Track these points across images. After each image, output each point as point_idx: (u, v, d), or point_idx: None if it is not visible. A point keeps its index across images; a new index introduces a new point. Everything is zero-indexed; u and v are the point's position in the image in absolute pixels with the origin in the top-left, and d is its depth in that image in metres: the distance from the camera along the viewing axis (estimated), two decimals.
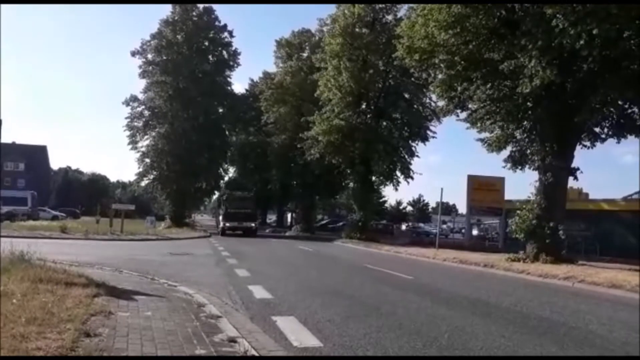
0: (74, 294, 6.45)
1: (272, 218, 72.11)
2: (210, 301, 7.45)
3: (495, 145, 20.03)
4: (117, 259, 13.85)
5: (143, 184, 47.73)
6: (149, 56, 44.59)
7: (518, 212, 18.15)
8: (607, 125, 18.83)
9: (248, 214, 36.33)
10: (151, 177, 45.72)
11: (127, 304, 6.43)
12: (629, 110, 18.38)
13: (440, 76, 19.14)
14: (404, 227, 59.33)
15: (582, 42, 13.94)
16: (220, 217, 38.62)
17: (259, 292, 8.77)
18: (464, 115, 20.49)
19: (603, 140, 18.97)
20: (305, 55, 49.92)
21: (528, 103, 17.30)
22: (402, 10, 31.64)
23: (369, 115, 35.88)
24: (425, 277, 13.12)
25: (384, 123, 36.59)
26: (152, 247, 20.88)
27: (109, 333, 4.85)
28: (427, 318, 7.07)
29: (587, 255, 20.53)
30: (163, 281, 9.41)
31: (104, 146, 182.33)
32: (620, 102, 18.17)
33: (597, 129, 18.84)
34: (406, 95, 36.43)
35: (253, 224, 36.66)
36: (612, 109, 18.42)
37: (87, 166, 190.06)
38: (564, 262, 15.70)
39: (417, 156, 36.65)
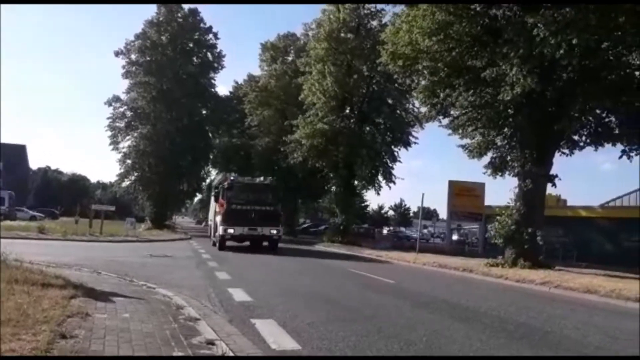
0: (50, 295, 6.35)
1: None
2: (189, 303, 7.40)
3: (476, 152, 20.27)
4: (96, 261, 13.66)
5: (124, 185, 47.18)
6: (133, 56, 44.26)
7: (497, 217, 18.38)
8: (586, 133, 19.18)
9: (267, 214, 21.95)
10: (132, 178, 45.33)
11: (104, 306, 6.36)
12: (607, 119, 18.76)
13: (423, 82, 19.35)
14: (385, 231, 59.58)
15: (562, 51, 14.22)
16: (218, 219, 22.82)
17: (239, 294, 8.73)
18: (446, 121, 20.75)
19: (581, 148, 19.32)
20: (290, 58, 49.97)
21: (509, 110, 17.55)
22: (387, 16, 31.88)
23: (352, 120, 36.01)
24: (405, 281, 13.23)
25: (368, 128, 36.75)
26: (132, 248, 20.64)
27: (85, 335, 4.79)
28: (407, 322, 7.11)
29: (565, 261, 20.87)
30: (142, 283, 9.32)
31: (84, 146, 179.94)
32: (598, 111, 18.58)
33: (575, 137, 19.16)
34: (389, 101, 36.68)
35: (275, 230, 21.98)
36: (590, 118, 18.79)
37: (68, 166, 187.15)
38: (541, 268, 15.93)
39: (400, 161, 36.92)
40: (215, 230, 23.44)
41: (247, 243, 22.99)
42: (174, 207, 52.72)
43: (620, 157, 18.26)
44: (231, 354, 4.76)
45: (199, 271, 13.08)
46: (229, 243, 21.98)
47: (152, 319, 5.95)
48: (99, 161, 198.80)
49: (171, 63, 43.30)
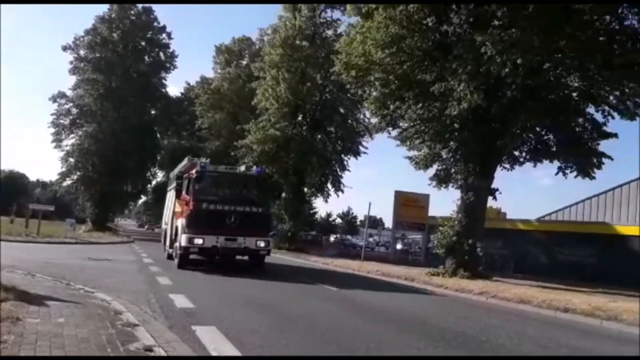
0: None
1: None
2: (128, 309, 7.18)
3: (422, 164, 20.80)
4: (31, 263, 13.04)
5: (65, 184, 45.36)
6: (82, 52, 42.99)
7: (440, 228, 18.93)
8: (526, 149, 20.04)
9: (253, 217, 15.20)
10: (74, 177, 43.74)
11: (38, 310, 6.09)
12: (546, 137, 19.71)
13: (374, 94, 19.70)
14: (332, 238, 60.04)
15: (507, 70, 14.85)
16: (179, 223, 15.68)
17: (181, 301, 8.56)
18: (395, 133, 21.16)
19: (521, 164, 20.16)
20: (244, 62, 49.75)
21: (455, 125, 18.11)
22: (343, 26, 32.39)
23: (304, 127, 36.19)
24: (348, 289, 13.33)
25: (319, 136, 37.04)
26: (71, 251, 19.86)
27: (14, 340, 4.58)
28: (349, 329, 7.20)
29: (502, 272, 21.71)
30: (80, 287, 8.98)
31: (23, 143, 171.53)
32: (538, 129, 19.52)
33: (516, 153, 19.99)
34: (342, 110, 37.15)
35: (263, 242, 15.30)
36: (530, 135, 19.70)
37: (4, 163, 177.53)
38: (480, 278, 16.46)
39: (349, 170, 37.39)
40: (174, 238, 16.35)
41: (225, 260, 16.02)
42: (117, 208, 51.15)
43: (557, 173, 19.28)
44: None
45: (140, 275, 12.73)
46: (194, 257, 15.41)
47: (89, 324, 5.75)
48: (39, 159, 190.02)
49: (121, 61, 42.28)
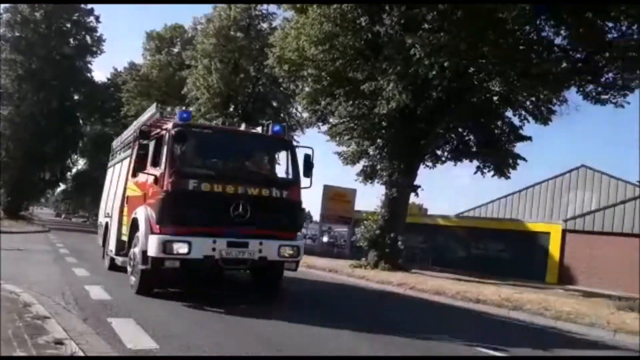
0: None
1: None
2: (39, 301, 6.86)
3: (350, 159, 21.33)
4: None
5: None
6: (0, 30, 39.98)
7: (364, 222, 19.53)
8: (448, 149, 21.04)
9: (269, 204, 8.59)
10: None
11: None
12: (467, 138, 20.81)
13: (307, 89, 19.88)
14: None
15: (434, 72, 15.45)
16: (141, 214, 8.52)
17: (97, 292, 8.28)
18: (325, 128, 21.52)
19: (443, 162, 21.10)
20: (175, 50, 48.35)
21: (383, 123, 18.65)
22: (278, 19, 32.21)
23: (235, 119, 35.76)
24: None
25: None
26: None
27: None
28: (271, 321, 7.24)
29: (422, 264, 22.63)
30: None
31: None
32: (460, 130, 20.54)
33: (439, 152, 20.93)
34: (274, 104, 37.07)
35: (290, 249, 8.71)
36: (453, 135, 20.70)
37: None
38: (400, 270, 17.19)
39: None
40: (126, 241, 9.70)
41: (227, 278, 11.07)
42: (33, 196, 48.23)
43: (475, 172, 20.43)
44: (81, 354, 4.54)
45: (55, 266, 12.15)
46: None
47: None
48: None
49: (44, 42, 39.89)
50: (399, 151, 18.73)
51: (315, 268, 17.85)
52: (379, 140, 19.71)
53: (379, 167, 20.35)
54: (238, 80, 34.08)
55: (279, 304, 9.24)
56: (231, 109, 36.25)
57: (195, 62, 34.55)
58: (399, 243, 18.24)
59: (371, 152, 20.78)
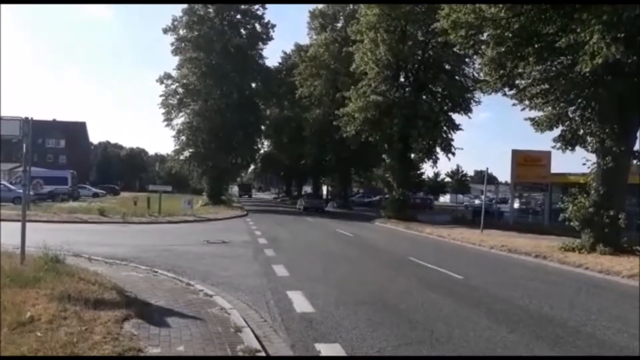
0: (102, 318, 6.01)
1: (307, 190, 71.70)
2: (247, 319, 6.93)
3: (545, 125, 18.56)
4: (153, 251, 13.65)
5: (180, 159, 47.71)
6: (181, 32, 44.19)
7: (572, 196, 16.91)
8: None
9: None
10: (187, 154, 45.91)
11: (158, 333, 5.92)
12: None
13: (489, 53, 17.65)
14: (442, 199, 57.92)
15: None
16: None
17: (299, 301, 8.20)
18: (511, 92, 19.10)
19: None
20: (339, 25, 48.61)
21: (587, 82, 15.84)
22: None
23: (407, 89, 34.55)
24: (475, 276, 11.86)
25: (424, 97, 35.05)
26: (189, 232, 20.73)
27: None
28: (483, 339, 6.29)
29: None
30: (199, 288, 8.89)
31: (142, 119, 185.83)
32: None
33: None
34: (447, 67, 34.82)
35: None
36: None
37: (126, 140, 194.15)
38: (623, 254, 14.54)
39: (461, 129, 35.13)
40: None
41: None
42: (228, 181, 53.20)
43: None
44: None
45: (255, 264, 12.64)
46: None
47: (208, 350, 5.48)
48: (156, 133, 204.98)
49: (219, 36, 42.84)
50: (610, 112, 15.75)
51: (517, 252, 16.11)
52: (580, 101, 16.86)
53: (581, 131, 17.50)
54: (406, 48, 32.66)
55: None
56: (402, 80, 35.16)
57: (361, 36, 33.96)
58: (620, 221, 15.43)
59: (571, 115, 17.92)
